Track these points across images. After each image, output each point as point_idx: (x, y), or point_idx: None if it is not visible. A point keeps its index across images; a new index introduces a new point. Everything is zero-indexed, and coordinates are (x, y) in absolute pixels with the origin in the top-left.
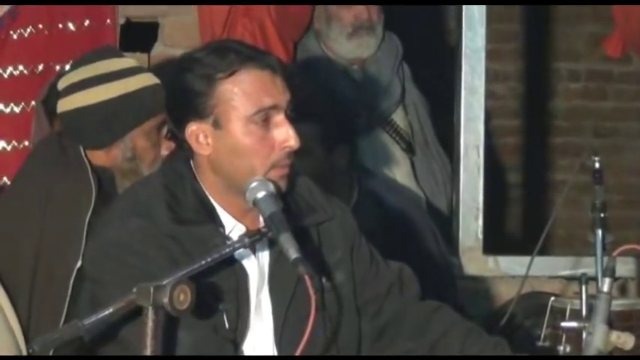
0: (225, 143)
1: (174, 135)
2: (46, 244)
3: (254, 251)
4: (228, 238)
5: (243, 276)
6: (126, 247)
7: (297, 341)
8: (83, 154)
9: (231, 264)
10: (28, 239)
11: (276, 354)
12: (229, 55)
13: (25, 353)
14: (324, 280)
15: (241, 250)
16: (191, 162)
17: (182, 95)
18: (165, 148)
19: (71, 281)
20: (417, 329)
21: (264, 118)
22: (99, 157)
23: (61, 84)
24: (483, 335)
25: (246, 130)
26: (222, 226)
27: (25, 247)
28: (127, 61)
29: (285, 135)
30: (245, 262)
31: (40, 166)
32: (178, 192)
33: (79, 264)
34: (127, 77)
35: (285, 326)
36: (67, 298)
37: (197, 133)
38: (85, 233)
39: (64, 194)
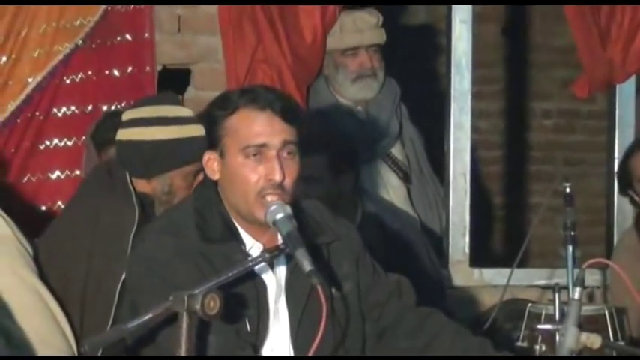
0: (226, 171)
1: None
2: (95, 261)
3: (272, 266)
4: (248, 254)
5: (262, 287)
6: (161, 261)
7: (310, 342)
8: (129, 180)
9: (252, 276)
10: (80, 256)
11: (292, 354)
12: (240, 94)
13: (75, 351)
14: (333, 290)
15: (261, 265)
16: (218, 188)
17: (205, 127)
18: None
19: (117, 292)
20: (412, 331)
21: (254, 153)
22: (142, 185)
23: (126, 116)
24: (470, 336)
25: (240, 161)
26: (244, 244)
27: (76, 263)
28: (185, 111)
29: (270, 169)
30: (264, 275)
31: (90, 192)
32: (207, 214)
33: (123, 276)
34: (181, 125)
35: (300, 329)
36: (114, 307)
37: (210, 159)
38: (129, 250)
39: (111, 216)
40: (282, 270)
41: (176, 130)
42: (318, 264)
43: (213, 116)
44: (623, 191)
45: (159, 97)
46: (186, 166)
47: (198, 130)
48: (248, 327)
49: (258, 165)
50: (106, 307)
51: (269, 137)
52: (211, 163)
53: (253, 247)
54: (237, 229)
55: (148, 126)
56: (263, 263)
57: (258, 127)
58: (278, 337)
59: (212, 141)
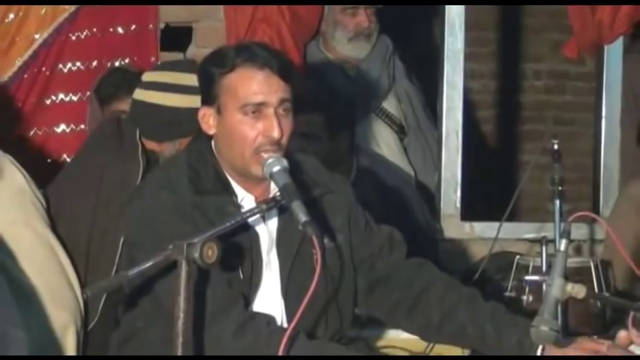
0: (224, 127)
1: None
2: (100, 213)
3: (264, 218)
4: (240, 206)
5: (255, 238)
6: (157, 216)
7: (300, 293)
8: (137, 136)
9: (245, 228)
10: (85, 209)
11: (282, 305)
12: (237, 52)
13: (82, 304)
14: (327, 241)
15: (254, 217)
16: (212, 142)
17: (201, 81)
18: None
19: (120, 244)
20: (404, 282)
21: (253, 110)
22: (151, 145)
23: (147, 77)
24: (461, 287)
25: (238, 118)
26: (236, 196)
27: (82, 215)
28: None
29: (268, 126)
30: (257, 227)
31: (97, 145)
32: (200, 168)
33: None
34: (198, 95)
35: (290, 279)
36: (117, 259)
37: (206, 115)
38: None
39: (116, 170)
40: (273, 222)
41: (193, 100)
42: (312, 216)
43: (209, 73)
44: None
45: (180, 63)
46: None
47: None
48: (241, 275)
49: (256, 122)
50: (110, 259)
51: (267, 95)
52: (207, 119)
53: (245, 199)
54: (229, 182)
55: (167, 92)
56: (256, 215)
57: (257, 85)
58: (270, 287)
59: (208, 97)
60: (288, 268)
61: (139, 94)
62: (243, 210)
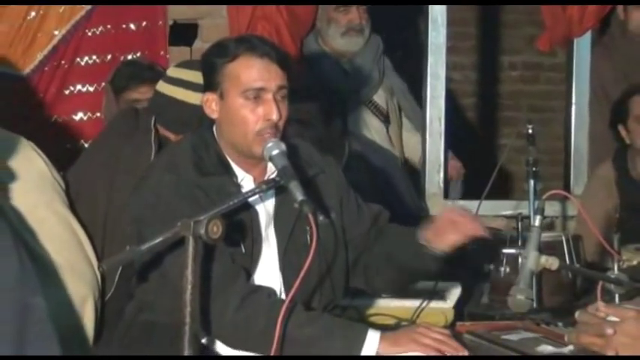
0: (226, 111)
1: None
2: (116, 192)
3: (261, 198)
4: (240, 186)
5: (255, 215)
6: (163, 196)
7: (296, 266)
8: (152, 124)
9: (245, 206)
10: (102, 187)
11: (280, 277)
12: (238, 43)
13: (99, 277)
14: (322, 217)
15: (253, 197)
16: (214, 127)
17: (204, 70)
18: None
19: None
20: (371, 249)
21: (254, 96)
22: (167, 133)
23: (172, 73)
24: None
25: (240, 103)
26: (236, 177)
27: (100, 193)
28: None
29: (268, 110)
30: (256, 206)
31: (115, 130)
32: (202, 151)
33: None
34: None
35: (286, 254)
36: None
37: (209, 100)
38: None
39: (130, 152)
40: (271, 201)
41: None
42: (307, 195)
43: (212, 63)
44: (613, 125)
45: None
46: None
47: None
48: (243, 249)
49: (256, 106)
50: (123, 241)
51: (267, 82)
52: (210, 103)
53: (244, 179)
54: (229, 164)
55: (190, 89)
56: (257, 194)
57: (257, 72)
58: (268, 260)
59: (211, 84)
60: (284, 243)
61: (163, 87)
62: (243, 190)
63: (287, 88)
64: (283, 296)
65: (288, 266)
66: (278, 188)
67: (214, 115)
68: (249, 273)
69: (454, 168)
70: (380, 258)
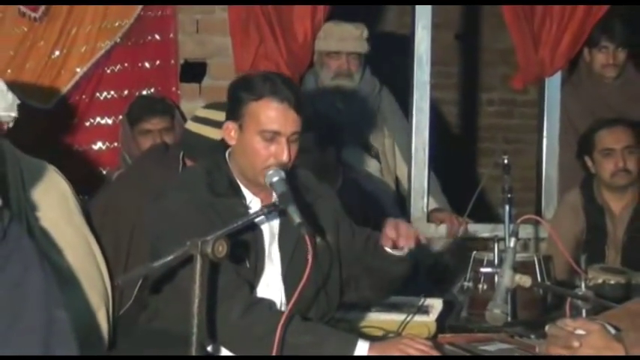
0: (242, 142)
1: None
2: (142, 216)
3: (267, 219)
4: (248, 207)
5: (259, 234)
6: (177, 214)
7: (297, 280)
8: (181, 156)
9: (251, 226)
10: (129, 211)
11: (282, 290)
12: (264, 83)
13: (109, 290)
14: (319, 239)
15: (259, 217)
16: (227, 153)
17: (229, 99)
18: None
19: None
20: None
21: (270, 137)
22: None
23: (200, 113)
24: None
25: (256, 139)
26: (244, 199)
27: (126, 216)
28: None
29: (280, 152)
30: (261, 226)
31: (146, 161)
32: (215, 174)
33: None
34: None
35: (288, 270)
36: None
37: (230, 128)
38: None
39: (158, 179)
40: (275, 222)
41: None
42: (305, 218)
43: (238, 96)
44: (579, 156)
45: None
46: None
47: None
48: (247, 264)
49: (270, 145)
50: (147, 255)
51: (283, 126)
52: (230, 131)
53: (252, 201)
54: (239, 187)
55: (215, 127)
56: (260, 218)
57: (276, 116)
58: (271, 275)
59: (234, 114)
60: (287, 261)
61: (193, 127)
62: (250, 211)
63: (300, 132)
64: (284, 308)
65: (289, 280)
66: (282, 211)
67: (232, 142)
68: (252, 286)
69: (453, 224)
70: (361, 268)
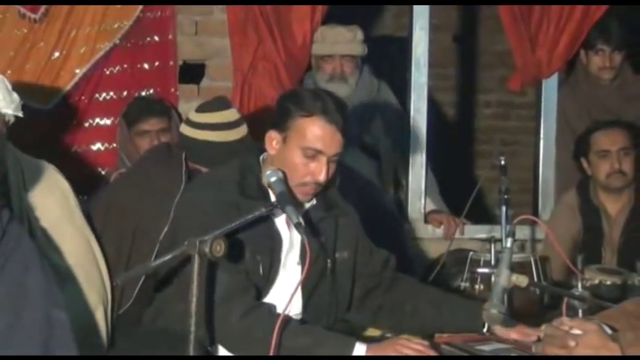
0: (283, 154)
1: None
2: (145, 216)
3: (289, 229)
4: (273, 213)
5: (278, 242)
6: (200, 208)
7: (313, 292)
8: (184, 158)
9: (270, 235)
10: (132, 210)
11: (300, 297)
12: (315, 101)
13: (108, 288)
14: (340, 253)
15: (280, 224)
16: (260, 157)
17: (278, 109)
18: None
19: (158, 243)
20: (387, 290)
21: (310, 155)
22: (197, 166)
23: (195, 118)
24: (426, 286)
25: (297, 154)
26: (271, 204)
27: (129, 216)
28: (235, 114)
29: (319, 171)
30: (282, 234)
31: (149, 160)
32: (247, 175)
33: (165, 229)
34: (236, 128)
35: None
36: (154, 254)
37: (273, 138)
38: (172, 210)
39: (161, 180)
40: (296, 234)
41: (234, 133)
42: (328, 234)
43: (287, 108)
44: (576, 157)
45: (218, 104)
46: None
47: (243, 131)
48: (261, 270)
49: (310, 162)
50: (149, 254)
51: (327, 147)
52: (272, 140)
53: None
54: (267, 192)
55: (216, 130)
56: (283, 224)
57: (322, 136)
58: (284, 283)
59: (280, 125)
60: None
61: (186, 130)
62: (275, 219)
63: (341, 153)
64: (296, 316)
65: (307, 289)
66: (306, 223)
67: (272, 152)
68: (262, 292)
69: (450, 226)
70: (400, 303)
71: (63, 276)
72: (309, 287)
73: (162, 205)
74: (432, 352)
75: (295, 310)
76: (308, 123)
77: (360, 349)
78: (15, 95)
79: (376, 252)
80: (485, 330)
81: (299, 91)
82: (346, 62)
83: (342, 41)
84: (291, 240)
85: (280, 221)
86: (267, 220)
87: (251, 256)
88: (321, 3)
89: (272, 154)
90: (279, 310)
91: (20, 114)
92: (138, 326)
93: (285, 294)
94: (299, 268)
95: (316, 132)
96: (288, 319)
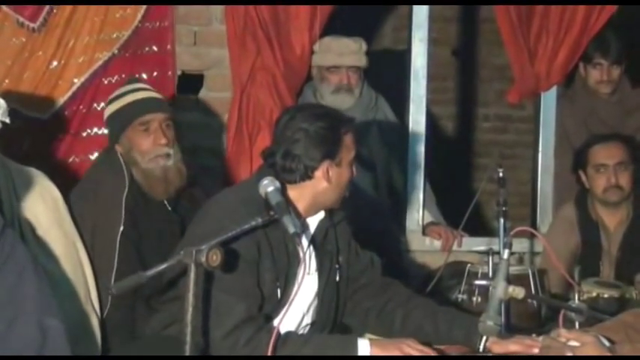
0: (338, 176)
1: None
2: (100, 220)
3: (306, 249)
4: (298, 232)
5: (295, 261)
6: (227, 222)
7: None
8: (118, 153)
9: (287, 249)
10: (88, 217)
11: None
12: (343, 116)
13: (93, 293)
14: (341, 258)
15: (301, 244)
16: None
17: (322, 139)
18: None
19: (118, 240)
20: (375, 293)
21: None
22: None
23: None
24: (419, 297)
25: (349, 169)
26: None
27: (86, 222)
28: (130, 86)
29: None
30: (299, 255)
31: (95, 168)
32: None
33: (121, 229)
34: (121, 97)
35: (323, 298)
36: (117, 253)
37: (328, 170)
38: (123, 209)
39: (106, 187)
40: (312, 253)
41: (119, 102)
42: (334, 238)
43: (337, 131)
44: (574, 170)
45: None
46: (129, 125)
47: (130, 97)
48: (279, 295)
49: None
50: (110, 254)
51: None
52: (325, 172)
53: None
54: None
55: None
56: (305, 244)
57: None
58: (299, 303)
59: (332, 152)
60: (322, 290)
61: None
62: (301, 239)
63: None
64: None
65: (322, 307)
66: (322, 251)
67: (326, 184)
68: (275, 312)
69: (448, 238)
70: (390, 309)
71: (55, 282)
72: (321, 296)
73: (112, 211)
74: (435, 353)
75: (311, 319)
76: (349, 137)
77: (363, 344)
78: (1, 101)
79: (362, 252)
80: (481, 349)
81: (331, 111)
82: (352, 73)
83: (348, 52)
84: (306, 263)
85: (303, 241)
86: (289, 240)
87: (272, 282)
88: (322, 3)
89: (324, 187)
90: (286, 327)
91: (7, 120)
92: (129, 331)
93: (295, 311)
94: (310, 278)
95: (354, 143)
96: (286, 335)
